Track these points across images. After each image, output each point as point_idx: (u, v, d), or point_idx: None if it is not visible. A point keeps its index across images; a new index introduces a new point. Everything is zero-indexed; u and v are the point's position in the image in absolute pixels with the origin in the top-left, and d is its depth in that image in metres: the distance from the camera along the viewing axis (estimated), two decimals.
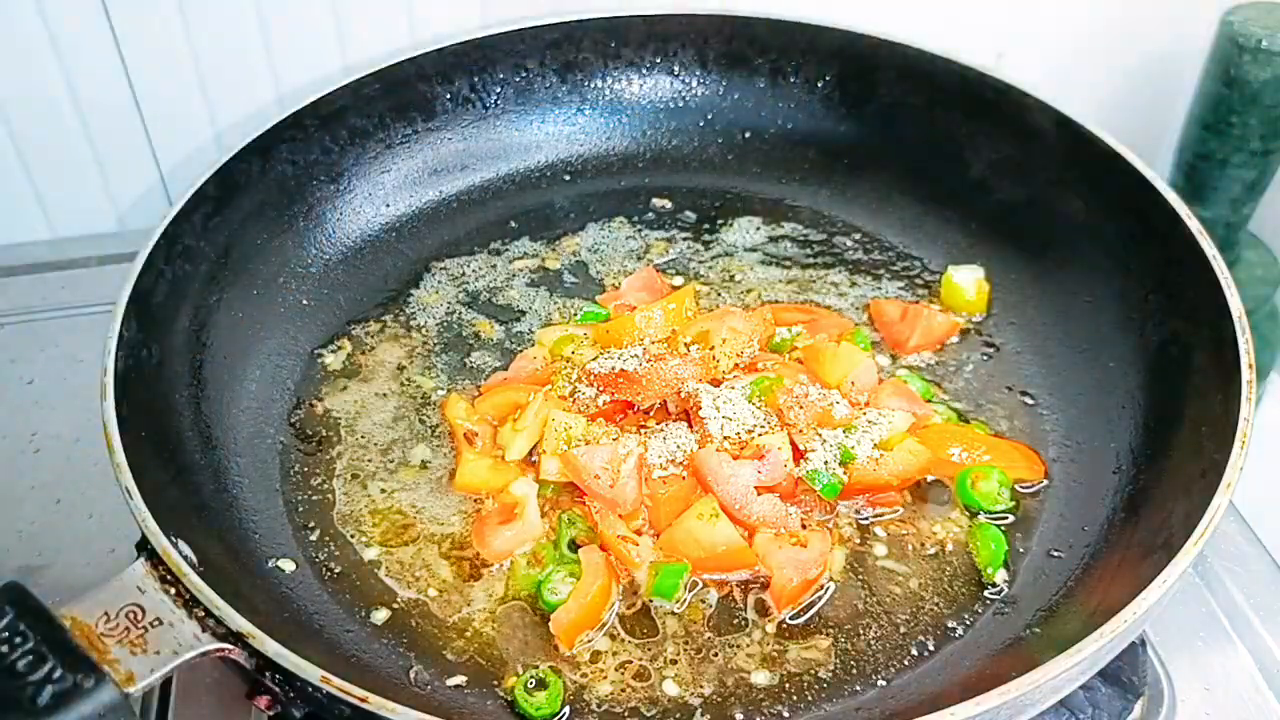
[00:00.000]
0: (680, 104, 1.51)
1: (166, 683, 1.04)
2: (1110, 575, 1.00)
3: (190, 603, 0.87)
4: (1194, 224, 1.14)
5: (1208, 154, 1.47)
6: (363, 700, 0.82)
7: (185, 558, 0.90)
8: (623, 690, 0.98)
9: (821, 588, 1.05)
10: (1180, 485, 1.00)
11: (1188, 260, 1.13)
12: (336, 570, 1.07)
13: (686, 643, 1.02)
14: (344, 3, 1.46)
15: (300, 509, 1.12)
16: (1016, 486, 1.13)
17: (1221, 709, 1.06)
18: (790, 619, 1.03)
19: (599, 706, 0.97)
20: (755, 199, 1.45)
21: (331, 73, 1.48)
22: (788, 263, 1.37)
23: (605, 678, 0.99)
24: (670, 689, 0.98)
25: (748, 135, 1.50)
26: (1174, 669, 1.09)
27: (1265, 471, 1.05)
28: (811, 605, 1.04)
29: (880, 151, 1.44)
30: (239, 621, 0.86)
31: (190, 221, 1.21)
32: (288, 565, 1.06)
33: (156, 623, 0.86)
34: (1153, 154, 1.55)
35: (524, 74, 1.47)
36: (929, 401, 1.20)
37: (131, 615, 0.85)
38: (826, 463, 1.08)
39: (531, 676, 0.98)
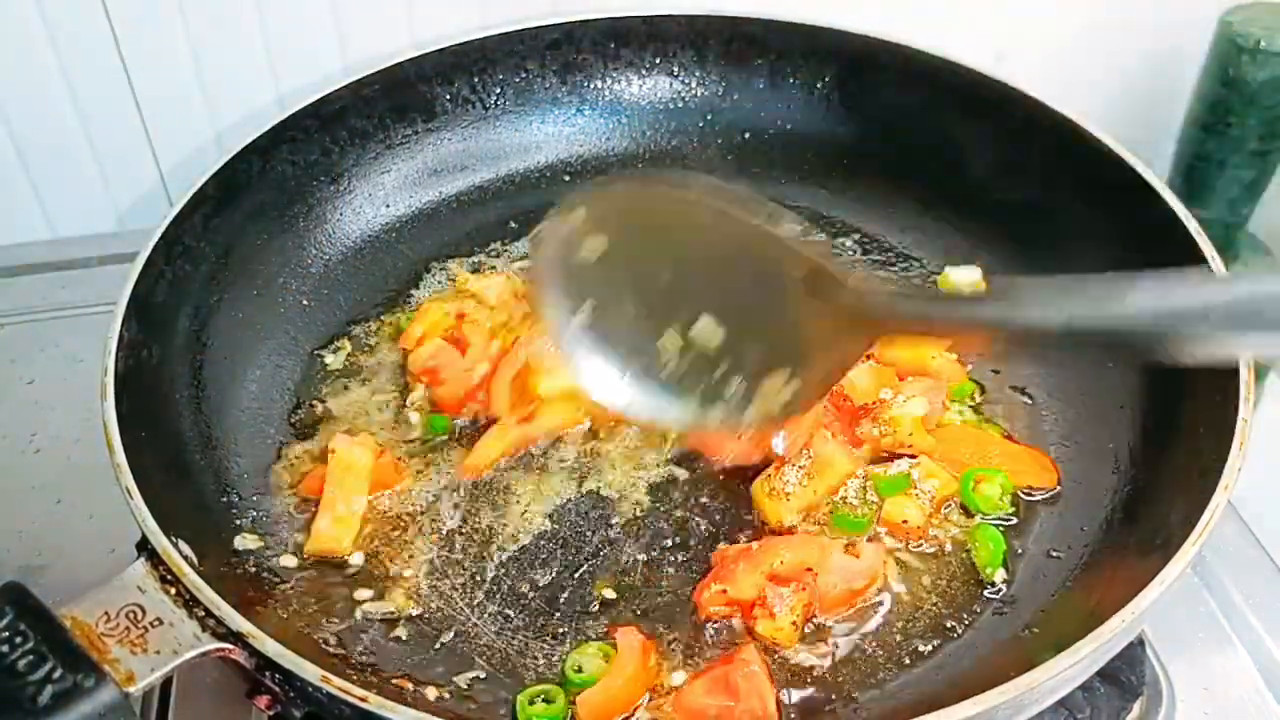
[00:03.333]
0: (679, 105, 1.51)
1: (166, 683, 1.04)
2: (1109, 575, 1.00)
3: (190, 603, 0.87)
4: (1193, 225, 1.14)
5: (1206, 155, 1.47)
6: (362, 700, 0.83)
7: (185, 558, 0.90)
8: None
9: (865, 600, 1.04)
10: (1179, 486, 1.00)
11: (1186, 261, 1.13)
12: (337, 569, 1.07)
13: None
14: (344, 3, 1.46)
15: (300, 509, 1.12)
16: (1022, 493, 1.12)
17: (1221, 709, 1.06)
18: None
19: None
20: None
21: (331, 73, 1.48)
22: None
23: None
24: (677, 678, 0.99)
25: (747, 136, 1.50)
26: (1173, 669, 1.09)
27: (1264, 472, 1.05)
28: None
29: (879, 152, 1.44)
30: (239, 621, 0.86)
31: (190, 222, 1.21)
32: (289, 562, 1.06)
33: (157, 623, 0.86)
34: (1152, 154, 1.55)
35: (524, 75, 1.47)
36: (961, 399, 1.20)
37: (131, 615, 0.85)
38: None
39: (539, 693, 0.97)
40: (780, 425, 1.07)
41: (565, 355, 1.06)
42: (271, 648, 0.85)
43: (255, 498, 1.12)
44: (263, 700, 0.92)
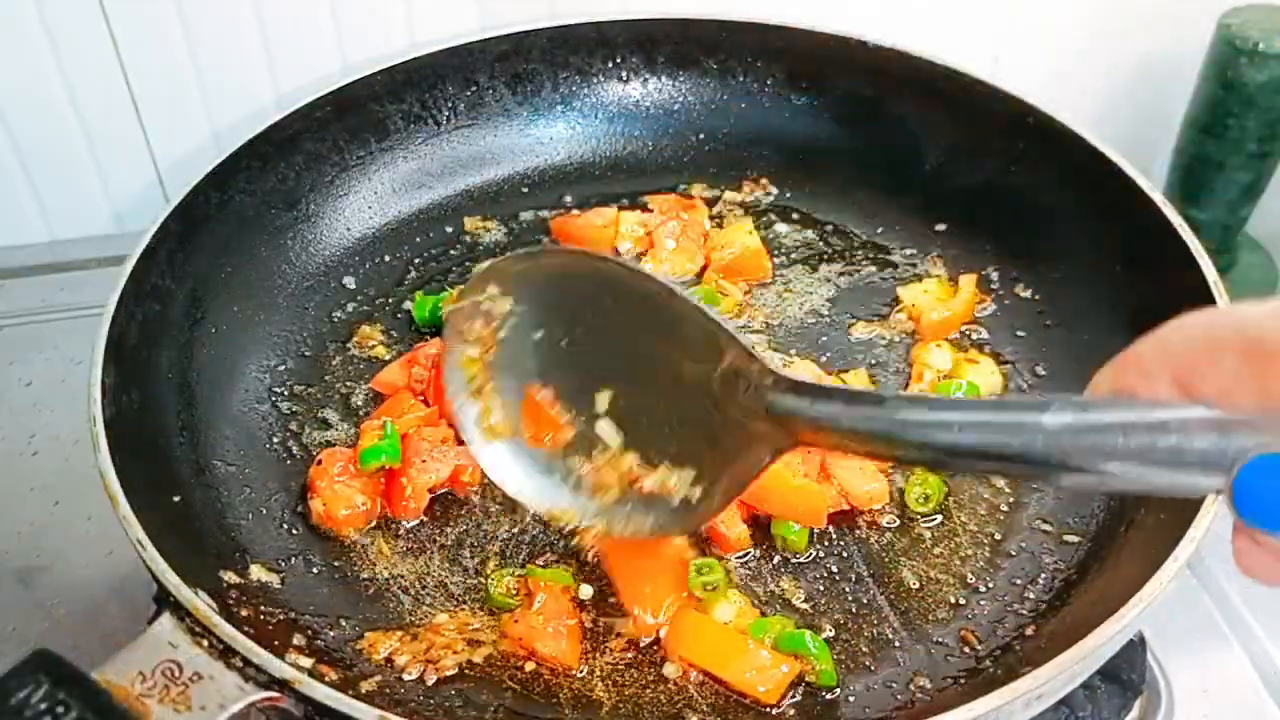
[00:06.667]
0: (632, 110, 1.50)
1: None
2: (1108, 573, 1.00)
3: (226, 653, 0.83)
4: (1178, 223, 1.15)
5: (1205, 156, 1.47)
6: None
7: (209, 605, 0.86)
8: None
9: None
10: None
11: (1178, 264, 1.13)
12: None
13: None
14: (343, 3, 1.46)
15: (302, 517, 1.11)
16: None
17: (1219, 710, 1.07)
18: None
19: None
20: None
21: (330, 73, 1.48)
22: None
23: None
24: (670, 671, 0.99)
25: (701, 137, 1.50)
26: (1171, 671, 1.09)
27: None
28: (812, 602, 1.04)
29: (844, 148, 1.45)
30: (282, 668, 0.82)
31: (188, 223, 1.21)
32: (312, 585, 1.04)
33: (196, 677, 0.82)
34: (1150, 156, 1.56)
35: (474, 88, 1.46)
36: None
37: (168, 672, 0.82)
38: None
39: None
40: (684, 533, 1.00)
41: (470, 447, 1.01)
42: (321, 692, 0.81)
43: (257, 513, 1.09)
44: (263, 700, 0.91)
